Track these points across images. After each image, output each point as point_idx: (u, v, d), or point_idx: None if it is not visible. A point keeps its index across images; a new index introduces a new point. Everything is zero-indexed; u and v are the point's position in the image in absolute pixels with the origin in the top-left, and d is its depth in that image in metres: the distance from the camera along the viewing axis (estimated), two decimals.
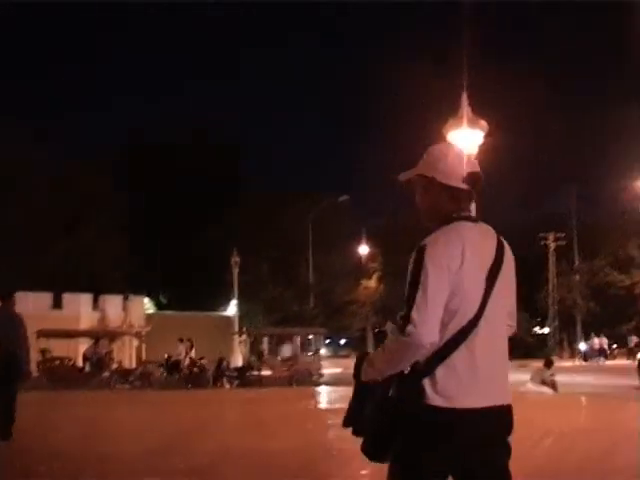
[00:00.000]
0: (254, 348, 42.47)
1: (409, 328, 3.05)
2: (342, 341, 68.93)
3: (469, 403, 3.11)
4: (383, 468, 3.26)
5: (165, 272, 67.40)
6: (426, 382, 3.12)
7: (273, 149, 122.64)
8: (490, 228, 3.42)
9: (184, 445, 11.14)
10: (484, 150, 24.99)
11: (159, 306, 70.39)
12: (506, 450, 3.25)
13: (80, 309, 48.92)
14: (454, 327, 3.13)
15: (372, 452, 3.25)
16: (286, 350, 35.74)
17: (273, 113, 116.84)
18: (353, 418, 3.33)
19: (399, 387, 3.18)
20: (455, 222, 3.31)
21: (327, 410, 17.70)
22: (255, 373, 30.79)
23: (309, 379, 30.03)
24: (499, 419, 3.23)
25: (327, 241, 61.31)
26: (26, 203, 58.08)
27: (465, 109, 24.16)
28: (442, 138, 24.93)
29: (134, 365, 37.69)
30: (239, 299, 53.27)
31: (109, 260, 61.40)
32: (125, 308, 50.30)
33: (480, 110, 24.88)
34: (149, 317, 55.44)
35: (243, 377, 29.57)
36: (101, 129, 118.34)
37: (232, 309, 56.22)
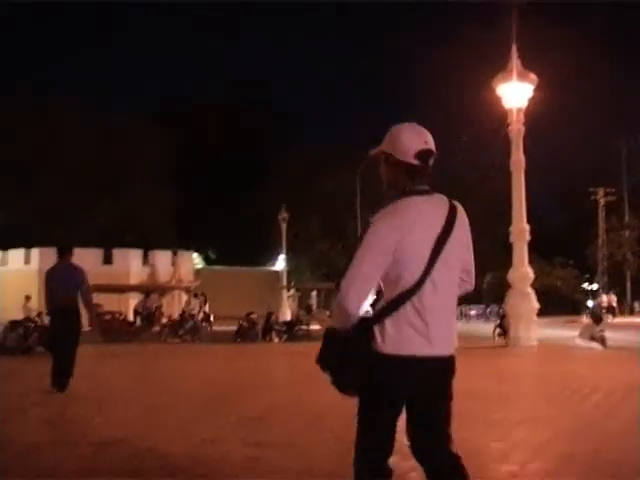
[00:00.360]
0: (302, 302, 42.79)
1: (338, 296, 3.70)
2: None
3: (412, 351, 3.67)
4: None
5: (214, 228, 67.73)
6: (376, 330, 3.69)
7: (321, 106, 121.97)
8: (442, 198, 3.89)
9: (235, 397, 11.30)
10: (533, 103, 24.71)
11: (208, 261, 70.93)
12: (446, 393, 3.93)
13: (130, 264, 49.56)
14: (402, 286, 3.67)
15: (337, 385, 3.85)
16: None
17: (320, 72, 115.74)
18: (321, 357, 3.87)
19: (355, 333, 3.72)
20: (407, 197, 3.78)
21: None
22: (304, 327, 30.93)
23: None
24: (440, 367, 3.80)
25: (375, 194, 61.06)
26: (75, 157, 58.52)
27: (515, 62, 23.87)
28: (492, 92, 24.73)
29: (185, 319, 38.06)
30: (287, 254, 53.48)
31: (158, 216, 61.78)
32: (174, 263, 50.77)
33: (530, 64, 24.56)
34: (198, 272, 55.94)
35: (292, 331, 29.74)
36: (151, 82, 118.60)
37: (280, 264, 56.50)
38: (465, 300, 43.30)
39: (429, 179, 3.89)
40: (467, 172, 67.73)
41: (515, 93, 23.92)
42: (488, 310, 57.26)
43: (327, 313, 33.86)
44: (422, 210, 3.77)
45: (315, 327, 31.17)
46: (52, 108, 58.16)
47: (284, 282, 49.94)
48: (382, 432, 3.86)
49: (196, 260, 62.89)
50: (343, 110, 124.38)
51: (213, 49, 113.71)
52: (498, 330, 29.99)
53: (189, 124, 68.99)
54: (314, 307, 35.42)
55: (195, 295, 34.40)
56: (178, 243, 57.28)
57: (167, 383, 14.44)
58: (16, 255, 52.21)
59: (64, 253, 12.76)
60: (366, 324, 3.72)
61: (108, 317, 30.36)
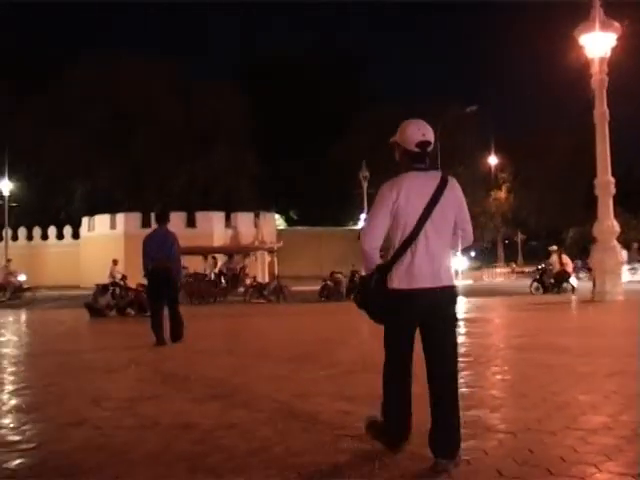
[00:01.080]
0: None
1: (360, 237, 5.11)
2: (472, 253, 68.38)
3: (413, 285, 4.96)
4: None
5: (295, 189, 67.92)
6: (390, 273, 5.05)
7: (400, 67, 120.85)
8: (437, 173, 5.13)
9: (322, 354, 11.46)
10: (617, 53, 24.13)
11: (289, 222, 71.26)
12: (444, 316, 5.10)
13: (213, 227, 50.09)
14: (402, 238, 5.00)
15: (371, 317, 5.40)
16: None
17: (400, 31, 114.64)
18: (356, 298, 5.45)
19: (376, 277, 5.11)
20: (407, 172, 5.10)
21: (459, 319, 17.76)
22: None
23: None
24: (439, 294, 5.00)
25: (456, 152, 60.49)
26: (157, 122, 59.09)
27: (597, 11, 23.32)
28: (574, 42, 24.23)
29: (267, 280, 38.39)
30: (369, 212, 53.44)
31: (240, 178, 62.14)
32: (257, 225, 51.13)
33: (613, 12, 23.96)
34: (280, 233, 56.27)
35: None
36: (231, 48, 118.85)
37: (362, 223, 56.45)
38: None
39: (430, 159, 5.18)
40: (547, 124, 66.67)
41: (597, 43, 23.42)
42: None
43: None
44: (418, 179, 5.05)
45: None
46: (133, 74, 58.77)
47: None
48: (398, 350, 5.19)
49: (278, 221, 63.26)
50: (423, 65, 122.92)
51: (293, 5, 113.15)
52: (535, 285, 29.61)
53: (269, 85, 69.06)
54: None
55: (205, 257, 34.81)
56: (260, 205, 57.71)
57: (254, 342, 14.71)
58: (102, 220, 53.29)
59: (162, 219, 14.02)
60: (382, 269, 5.07)
61: (193, 279, 30.82)
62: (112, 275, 26.48)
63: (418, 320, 5.04)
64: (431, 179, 5.06)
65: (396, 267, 5.01)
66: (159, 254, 13.23)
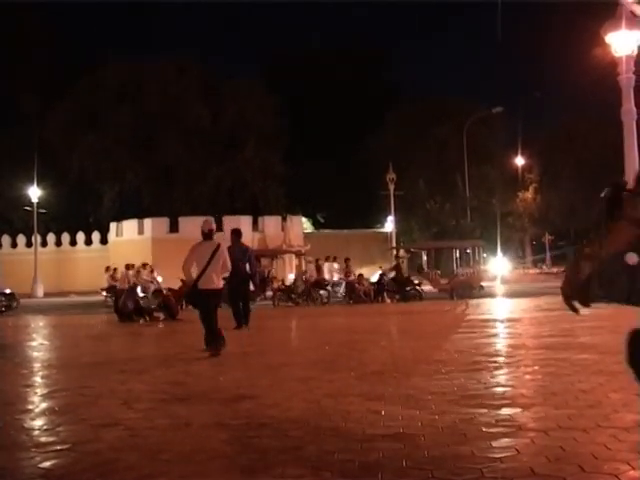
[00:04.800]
0: (413, 263, 42.64)
1: None
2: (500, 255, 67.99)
3: None
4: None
5: (322, 191, 67.90)
6: None
7: (430, 67, 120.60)
8: None
9: (353, 355, 11.48)
10: None
11: (316, 225, 71.27)
12: None
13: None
14: None
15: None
16: (445, 264, 35.79)
17: (432, 31, 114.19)
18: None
19: None
20: None
21: (487, 320, 17.73)
22: (416, 288, 30.82)
23: (469, 292, 29.94)
24: None
25: (483, 153, 60.30)
26: (185, 125, 59.32)
27: (624, 8, 23.21)
28: (600, 41, 24.14)
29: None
30: (396, 215, 53.35)
31: (267, 182, 62.20)
32: (284, 228, 51.19)
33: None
34: (307, 236, 56.31)
35: (403, 291, 29.76)
36: (260, 48, 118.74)
37: (389, 225, 56.40)
38: None
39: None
40: (577, 123, 66.36)
41: (624, 40, 23.32)
42: None
43: (438, 272, 33.65)
44: None
45: (426, 287, 31.11)
46: (161, 75, 59.07)
47: (393, 243, 49.86)
48: None
49: (305, 224, 63.29)
50: (451, 61, 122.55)
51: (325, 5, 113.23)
52: None
53: (297, 86, 69.06)
54: (425, 267, 35.13)
55: (310, 261, 34.67)
56: (287, 208, 57.76)
57: (283, 344, 14.78)
58: (130, 226, 53.57)
59: (238, 235, 18.98)
60: None
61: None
62: (140, 279, 26.51)
63: None
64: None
65: None
66: (241, 264, 17.63)
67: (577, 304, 3.29)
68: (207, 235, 13.03)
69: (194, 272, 12.43)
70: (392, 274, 30.76)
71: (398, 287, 30.02)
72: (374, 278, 31.27)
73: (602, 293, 3.25)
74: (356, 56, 72.64)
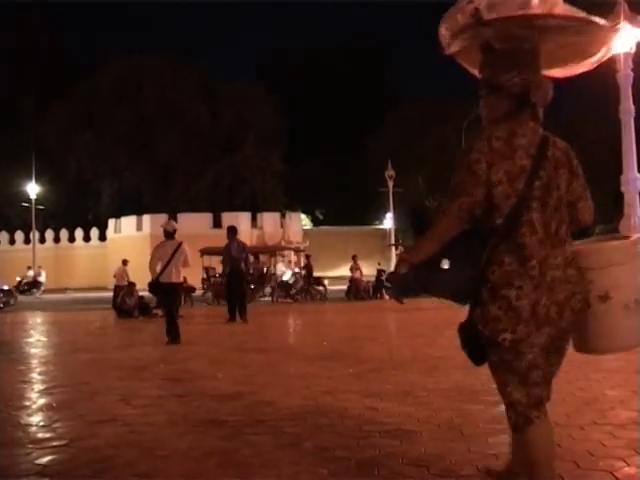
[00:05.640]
0: None
1: None
2: None
3: None
4: None
5: (321, 189, 67.89)
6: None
7: (429, 67, 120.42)
8: None
9: (351, 352, 11.49)
10: None
11: (315, 222, 71.27)
12: None
13: (239, 227, 50.15)
14: None
15: None
16: (445, 262, 35.71)
17: (432, 31, 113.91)
18: None
19: None
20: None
21: None
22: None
23: None
24: None
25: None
26: (184, 124, 59.31)
27: (622, 5, 23.17)
28: None
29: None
30: (394, 212, 53.33)
31: (266, 179, 62.22)
32: (283, 225, 51.20)
33: (638, 7, 23.78)
34: (306, 233, 56.31)
35: None
36: (260, 46, 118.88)
37: (388, 222, 56.39)
38: None
39: None
40: (575, 121, 66.35)
41: (622, 38, 23.26)
42: None
43: None
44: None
45: None
46: (160, 75, 59.06)
47: (392, 240, 49.83)
48: None
49: (304, 221, 63.29)
50: (451, 61, 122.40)
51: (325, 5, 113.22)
52: None
53: (296, 85, 69.05)
54: None
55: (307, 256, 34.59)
56: (286, 205, 57.78)
57: (281, 341, 14.79)
58: (128, 222, 53.58)
59: (235, 233, 19.45)
60: None
61: (220, 279, 30.87)
62: (127, 276, 26.48)
63: None
64: None
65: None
66: (237, 260, 18.70)
67: (399, 296, 4.20)
68: (170, 235, 14.32)
69: (159, 268, 13.77)
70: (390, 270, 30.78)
71: None
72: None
73: (417, 286, 4.05)
74: (356, 56, 72.59)
